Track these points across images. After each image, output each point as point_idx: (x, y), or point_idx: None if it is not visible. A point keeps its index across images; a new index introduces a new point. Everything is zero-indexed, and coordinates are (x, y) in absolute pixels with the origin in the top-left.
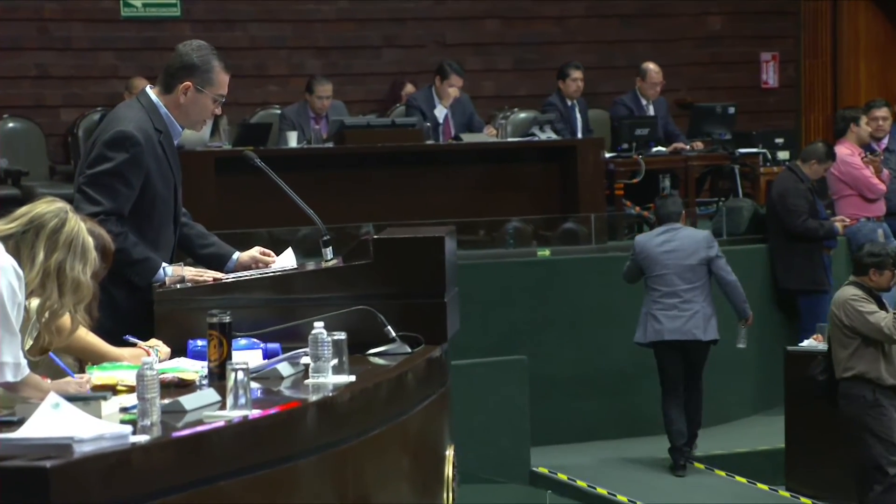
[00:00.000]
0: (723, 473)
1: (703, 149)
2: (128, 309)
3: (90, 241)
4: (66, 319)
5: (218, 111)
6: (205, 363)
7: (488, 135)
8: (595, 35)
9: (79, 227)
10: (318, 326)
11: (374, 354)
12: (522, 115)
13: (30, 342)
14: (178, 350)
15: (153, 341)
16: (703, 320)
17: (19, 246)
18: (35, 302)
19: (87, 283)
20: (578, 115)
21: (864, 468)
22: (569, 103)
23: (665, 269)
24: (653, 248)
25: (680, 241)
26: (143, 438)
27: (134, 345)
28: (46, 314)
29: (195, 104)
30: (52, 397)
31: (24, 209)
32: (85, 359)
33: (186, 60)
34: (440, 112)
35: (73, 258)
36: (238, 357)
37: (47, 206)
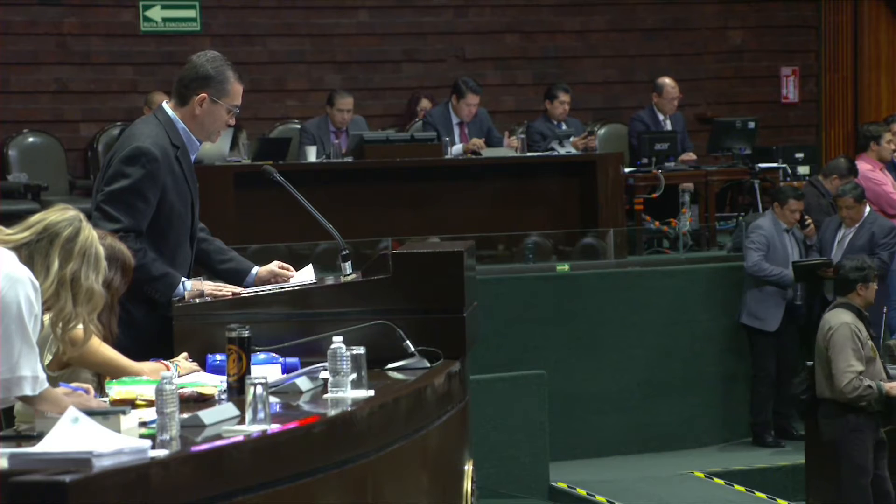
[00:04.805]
0: (742, 489)
1: (721, 163)
2: (146, 327)
3: (102, 249)
4: (78, 329)
5: (232, 122)
6: (224, 378)
7: (509, 146)
8: (616, 49)
9: (92, 235)
10: (337, 341)
11: (393, 369)
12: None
13: (49, 357)
14: (197, 364)
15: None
16: (743, 305)
17: (33, 255)
18: (48, 313)
19: (99, 293)
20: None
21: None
22: (555, 123)
23: None
24: None
25: None
26: (162, 453)
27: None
28: (60, 325)
29: (210, 115)
30: (72, 411)
31: (36, 217)
32: (104, 373)
33: (202, 72)
34: (456, 130)
35: (87, 267)
36: (257, 371)
37: (61, 215)
